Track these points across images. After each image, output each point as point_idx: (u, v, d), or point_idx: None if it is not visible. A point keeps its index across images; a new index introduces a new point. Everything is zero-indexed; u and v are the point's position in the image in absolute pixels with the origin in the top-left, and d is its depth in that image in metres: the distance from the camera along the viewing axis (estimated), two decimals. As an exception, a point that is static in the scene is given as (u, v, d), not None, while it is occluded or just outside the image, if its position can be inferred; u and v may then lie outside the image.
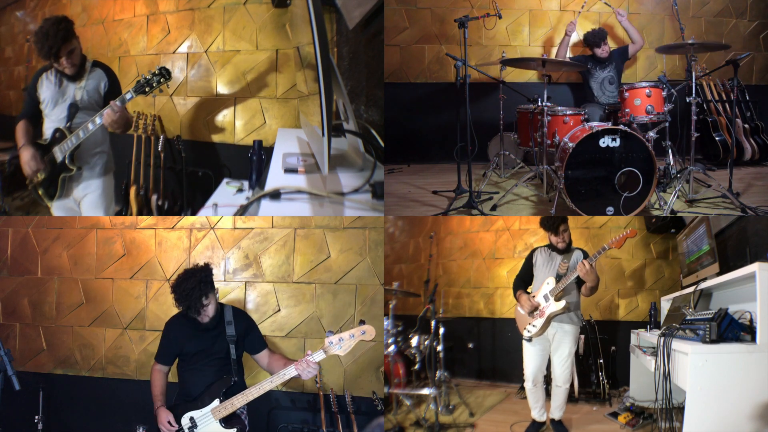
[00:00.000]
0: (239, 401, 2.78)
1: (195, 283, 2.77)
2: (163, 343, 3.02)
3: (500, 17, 4.96)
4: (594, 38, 5.01)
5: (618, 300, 5.01)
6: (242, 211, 2.75)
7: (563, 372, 3.50)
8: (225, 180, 4.11)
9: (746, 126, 5.45)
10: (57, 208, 3.55)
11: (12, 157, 3.64)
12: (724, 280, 2.84)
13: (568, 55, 5.67)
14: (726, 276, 2.80)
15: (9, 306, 4.13)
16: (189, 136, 4.53)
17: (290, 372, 2.73)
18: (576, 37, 5.73)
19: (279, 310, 3.78)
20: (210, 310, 2.83)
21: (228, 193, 3.84)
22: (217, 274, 3.76)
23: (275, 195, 2.43)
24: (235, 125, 4.39)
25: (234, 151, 4.39)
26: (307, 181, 2.63)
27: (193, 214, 4.26)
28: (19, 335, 4.09)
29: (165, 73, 3.24)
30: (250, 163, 3.70)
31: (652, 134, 4.06)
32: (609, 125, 3.71)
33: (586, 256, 3.41)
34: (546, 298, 3.40)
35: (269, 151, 3.38)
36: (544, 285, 3.43)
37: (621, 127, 3.68)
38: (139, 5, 4.56)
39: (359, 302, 3.69)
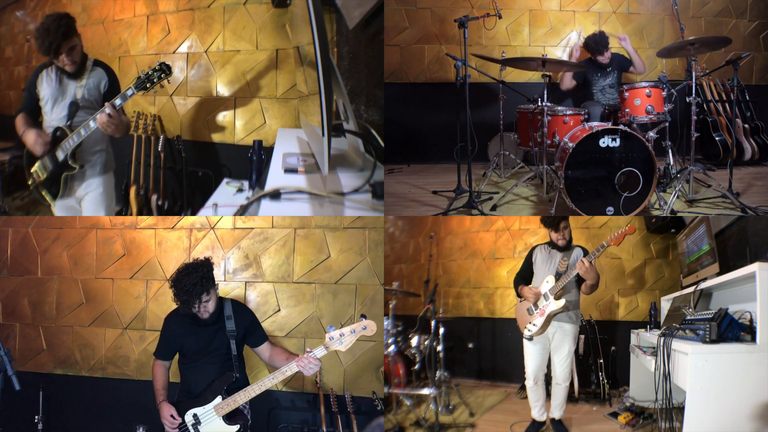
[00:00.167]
0: (242, 398, 2.77)
1: (197, 279, 2.73)
2: (162, 339, 3.00)
3: (500, 17, 4.96)
4: (596, 45, 4.94)
5: (618, 300, 5.01)
6: (242, 211, 2.75)
7: (563, 370, 3.52)
8: (225, 180, 4.11)
9: (746, 126, 5.45)
10: (59, 207, 3.55)
11: (12, 157, 3.64)
12: (724, 280, 2.84)
13: (569, 58, 5.68)
14: (726, 276, 2.80)
15: (9, 306, 4.13)
16: (189, 136, 4.53)
17: (292, 368, 2.73)
18: (576, 36, 5.74)
19: (279, 310, 3.78)
20: (210, 306, 2.81)
21: (228, 193, 3.84)
22: (217, 274, 3.76)
23: (275, 195, 2.43)
24: (235, 125, 4.39)
25: (234, 151, 4.39)
26: (307, 181, 2.63)
27: (193, 214, 4.26)
28: (19, 335, 4.10)
29: (165, 69, 3.23)
30: (250, 163, 3.70)
31: (652, 134, 4.06)
32: (609, 125, 3.71)
33: (586, 253, 3.41)
34: (546, 296, 3.40)
35: (269, 151, 3.38)
36: (543, 283, 3.44)
37: (621, 127, 3.68)
38: (139, 5, 4.56)
39: (359, 302, 3.69)
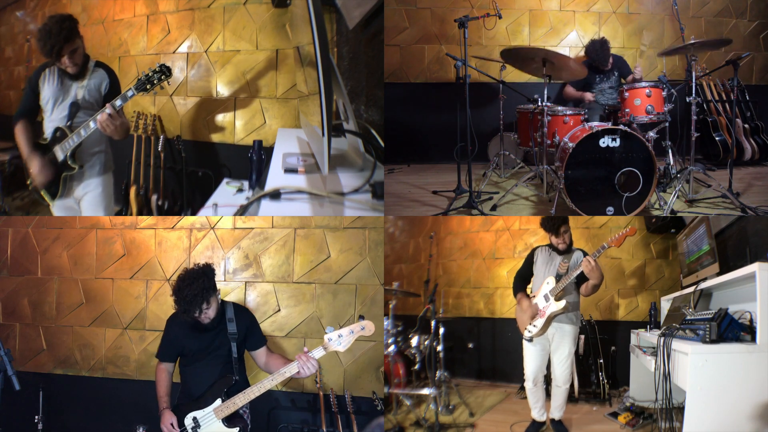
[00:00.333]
0: (241, 400, 2.77)
1: (198, 289, 2.71)
2: (164, 341, 3.00)
3: (500, 17, 4.95)
4: (598, 57, 4.88)
5: (618, 300, 5.01)
6: (242, 211, 2.75)
7: (563, 372, 3.50)
8: (225, 180, 4.11)
9: (746, 126, 5.45)
10: (58, 207, 3.54)
11: (12, 157, 3.64)
12: (724, 280, 2.84)
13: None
14: (726, 276, 2.80)
15: (9, 306, 4.13)
16: (189, 136, 4.53)
17: (291, 368, 2.72)
18: (575, 36, 5.74)
19: (279, 310, 3.78)
20: (211, 313, 2.81)
21: (228, 193, 3.84)
22: (217, 274, 3.74)
23: (275, 195, 2.43)
24: (235, 125, 4.39)
25: (234, 151, 4.39)
26: (307, 181, 2.63)
27: (193, 214, 4.26)
28: (19, 335, 4.10)
29: (165, 70, 3.24)
30: (250, 163, 3.70)
31: (652, 134, 4.06)
32: (609, 125, 3.71)
33: (586, 255, 3.41)
34: (546, 297, 3.40)
35: (269, 151, 3.38)
36: (544, 285, 3.43)
37: (621, 127, 3.68)
38: (139, 5, 4.57)
39: (359, 302, 3.69)
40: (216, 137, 4.47)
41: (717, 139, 5.37)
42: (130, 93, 3.21)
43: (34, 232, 4.15)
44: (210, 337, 2.87)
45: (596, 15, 5.71)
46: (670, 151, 4.24)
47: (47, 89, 3.38)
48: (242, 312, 2.98)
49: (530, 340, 3.48)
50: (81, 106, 3.39)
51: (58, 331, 4.06)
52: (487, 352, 5.61)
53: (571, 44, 5.76)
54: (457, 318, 5.61)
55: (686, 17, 5.57)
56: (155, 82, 3.23)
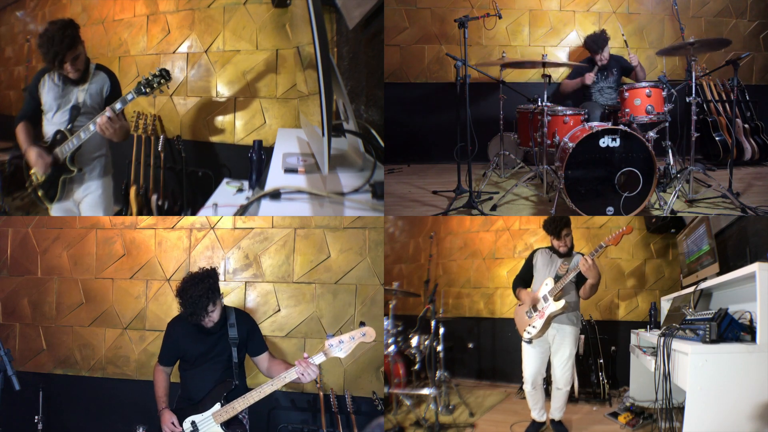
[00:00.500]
0: (240, 405, 2.77)
1: (203, 290, 2.72)
2: (165, 344, 3.00)
3: (500, 17, 4.96)
4: (594, 44, 4.93)
5: (618, 300, 5.01)
6: (242, 211, 2.75)
7: (564, 374, 3.49)
8: (225, 180, 4.11)
9: (746, 126, 5.45)
10: (56, 209, 3.54)
11: (12, 157, 3.63)
12: (724, 280, 2.84)
13: (569, 58, 5.69)
14: (726, 276, 2.80)
15: (9, 306, 4.13)
16: (189, 136, 4.53)
17: (291, 375, 2.72)
18: (575, 36, 5.74)
19: (279, 310, 3.78)
20: (215, 316, 2.82)
21: (228, 193, 3.84)
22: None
23: (275, 195, 2.43)
24: (235, 125, 4.39)
25: (234, 151, 4.39)
26: (307, 181, 2.63)
27: (193, 214, 4.26)
28: (19, 335, 4.10)
29: (165, 75, 3.25)
30: (250, 163, 3.70)
31: (652, 134, 4.06)
32: (609, 125, 3.71)
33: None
34: (545, 298, 3.40)
35: (269, 151, 3.38)
36: (542, 286, 3.43)
37: (621, 127, 3.68)
38: (139, 5, 4.57)
39: (359, 302, 3.69)
40: (216, 137, 4.47)
41: (717, 139, 5.37)
42: (129, 96, 3.22)
43: (34, 232, 4.15)
44: (212, 341, 2.87)
45: (596, 15, 5.71)
46: (670, 151, 4.24)
47: (48, 94, 3.38)
48: (243, 317, 2.99)
49: (530, 341, 3.47)
50: (82, 109, 3.39)
51: (58, 331, 4.06)
52: (487, 352, 5.61)
53: (571, 44, 5.76)
54: (457, 318, 5.61)
55: (686, 17, 5.57)
56: (155, 86, 3.24)
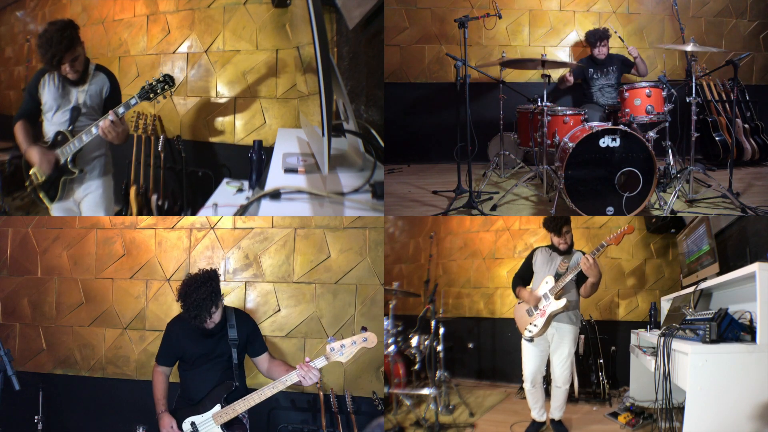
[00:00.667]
0: (241, 407, 2.76)
1: (206, 293, 2.72)
2: (164, 345, 3.00)
3: (500, 17, 4.96)
4: (593, 37, 4.98)
5: (618, 300, 5.01)
6: (242, 211, 2.75)
7: (563, 372, 3.50)
8: (225, 180, 4.11)
9: (746, 126, 5.45)
10: (56, 209, 3.54)
11: (12, 157, 3.64)
12: (724, 280, 2.84)
13: (569, 58, 5.69)
14: (726, 276, 2.80)
15: (9, 306, 4.13)
16: (189, 136, 4.53)
17: (292, 378, 2.72)
18: (575, 36, 5.74)
19: (279, 310, 3.78)
20: (216, 318, 2.81)
21: (228, 193, 3.84)
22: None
23: (275, 195, 2.43)
24: (235, 125, 4.39)
25: (234, 151, 4.39)
26: (307, 181, 2.63)
27: (193, 214, 4.26)
28: (19, 335, 4.10)
29: (169, 81, 3.26)
30: (250, 163, 3.70)
31: (652, 134, 4.06)
32: (609, 125, 3.71)
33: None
34: (546, 297, 3.40)
35: (269, 151, 3.38)
36: (543, 284, 3.43)
37: (621, 127, 3.68)
38: (139, 5, 4.57)
39: (359, 302, 3.69)
40: (216, 137, 4.47)
41: (717, 139, 5.37)
42: (133, 101, 3.23)
43: (34, 232, 4.15)
44: (212, 343, 2.87)
45: (596, 15, 5.70)
46: (670, 151, 4.24)
47: (48, 95, 3.38)
48: (243, 318, 2.98)
49: (531, 340, 3.47)
50: (82, 111, 3.39)
51: (58, 331, 4.06)
52: (487, 352, 5.61)
53: (571, 44, 5.76)
54: (457, 318, 5.61)
55: (686, 17, 5.57)
56: (159, 91, 3.25)
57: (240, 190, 3.84)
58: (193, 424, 2.77)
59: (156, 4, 4.51)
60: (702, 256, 3.65)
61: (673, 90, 4.05)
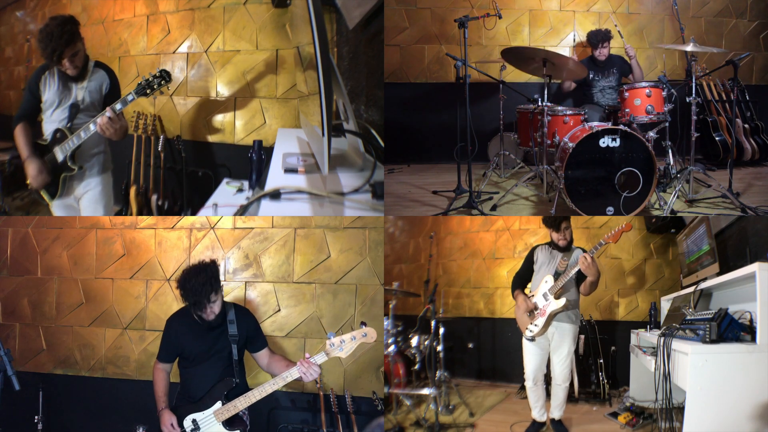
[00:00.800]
0: (242, 403, 2.77)
1: (206, 278, 2.71)
2: (164, 341, 2.99)
3: (500, 17, 4.95)
4: (595, 39, 4.98)
5: (618, 300, 5.01)
6: (242, 211, 2.75)
7: (563, 370, 3.51)
8: (225, 180, 4.11)
9: (746, 126, 5.45)
10: (57, 206, 3.56)
11: (12, 157, 3.64)
12: (724, 280, 2.84)
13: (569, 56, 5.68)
14: (726, 276, 2.80)
15: (9, 306, 4.13)
16: (189, 136, 4.53)
17: (293, 374, 2.73)
18: (576, 36, 5.74)
19: (279, 310, 3.78)
20: (216, 308, 2.80)
21: (228, 193, 3.84)
22: (217, 274, 3.76)
23: (275, 195, 2.43)
24: (235, 125, 4.39)
25: (234, 151, 4.39)
26: (307, 181, 2.63)
27: (193, 214, 4.26)
28: (19, 335, 4.10)
29: (165, 76, 3.25)
30: (250, 163, 3.70)
31: (652, 134, 4.06)
32: (609, 125, 3.71)
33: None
34: (545, 296, 3.40)
35: (269, 151, 3.38)
36: (542, 283, 3.44)
37: (621, 127, 3.68)
38: (139, 5, 4.57)
39: (359, 302, 3.69)
40: (216, 137, 4.47)
41: (717, 139, 5.37)
42: (130, 97, 3.23)
43: (34, 232, 4.15)
44: (211, 339, 2.87)
45: (596, 15, 5.71)
46: (670, 151, 4.24)
47: (48, 92, 3.38)
48: (243, 313, 2.98)
49: (532, 339, 3.48)
50: (81, 107, 3.39)
51: (58, 331, 4.06)
52: (487, 352, 5.61)
53: (571, 44, 5.76)
54: (457, 318, 5.61)
55: (686, 17, 5.57)
56: (155, 87, 3.24)
57: (240, 190, 3.84)
58: (194, 421, 2.77)
59: (156, 4, 4.51)
60: (702, 256, 3.65)
61: (673, 90, 4.05)
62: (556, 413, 3.62)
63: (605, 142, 3.64)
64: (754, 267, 2.42)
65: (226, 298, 3.75)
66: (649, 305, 4.02)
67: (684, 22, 5.36)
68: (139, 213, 4.48)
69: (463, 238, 5.96)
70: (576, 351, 3.84)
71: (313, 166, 2.76)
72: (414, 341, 4.37)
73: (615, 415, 3.93)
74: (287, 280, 3.78)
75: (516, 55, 4.44)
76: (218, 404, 2.78)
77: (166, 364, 2.99)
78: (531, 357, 3.54)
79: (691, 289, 3.27)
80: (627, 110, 4.08)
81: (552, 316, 3.40)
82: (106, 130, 3.22)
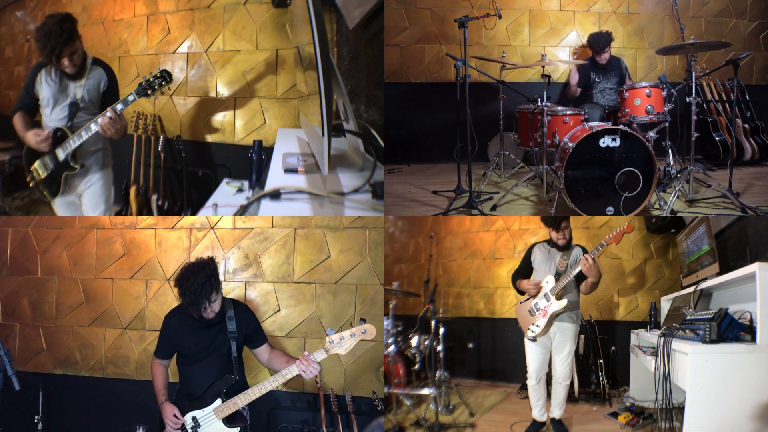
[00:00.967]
0: (242, 401, 2.76)
1: (204, 278, 2.68)
2: (162, 338, 2.98)
3: (500, 17, 4.95)
4: (597, 43, 4.96)
5: (618, 300, 5.01)
6: (242, 211, 2.75)
7: (564, 369, 3.52)
8: (225, 180, 4.11)
9: (746, 126, 5.45)
10: (59, 204, 3.58)
11: (12, 157, 3.65)
12: (724, 280, 2.84)
13: (569, 58, 5.69)
14: (726, 276, 2.80)
15: (9, 306, 4.13)
16: (189, 136, 4.53)
17: (292, 371, 2.72)
18: (575, 36, 5.74)
19: (279, 310, 3.78)
20: (216, 306, 2.79)
21: (228, 193, 3.84)
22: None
23: (275, 195, 2.43)
24: (235, 125, 4.39)
25: (234, 151, 4.39)
26: (307, 181, 2.63)
27: (193, 214, 4.26)
28: (19, 335, 4.10)
29: (166, 76, 3.25)
30: (250, 163, 3.70)
31: (652, 134, 4.06)
32: (609, 125, 3.71)
33: (585, 252, 3.41)
34: (547, 297, 3.40)
35: (269, 151, 3.38)
36: (543, 284, 3.43)
37: (621, 127, 3.68)
38: (139, 5, 4.56)
39: (359, 302, 3.69)
40: (216, 137, 4.47)
41: (717, 139, 5.37)
42: (131, 98, 3.23)
43: (34, 232, 4.15)
44: (210, 336, 2.86)
45: (596, 15, 5.71)
46: (670, 151, 4.24)
47: (46, 90, 3.38)
48: (242, 310, 2.97)
49: (534, 340, 3.49)
50: (81, 106, 3.40)
51: (58, 331, 4.06)
52: (487, 352, 5.61)
53: (571, 44, 5.76)
54: (457, 318, 5.61)
55: (686, 17, 5.57)
56: (156, 87, 3.24)
57: (240, 190, 3.85)
58: (194, 418, 2.77)
59: (156, 4, 4.50)
60: (702, 256, 3.65)
61: (673, 90, 4.05)
62: (556, 412, 3.62)
63: (605, 142, 3.64)
64: (754, 267, 2.42)
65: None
66: (649, 305, 4.02)
67: (684, 22, 5.35)
68: (139, 213, 4.48)
69: (463, 238, 5.96)
70: (576, 351, 3.84)
71: (313, 166, 2.76)
72: (414, 341, 4.37)
73: (615, 415, 3.94)
74: (287, 280, 3.78)
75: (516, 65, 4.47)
76: (218, 401, 2.78)
77: (164, 360, 2.99)
78: (533, 356, 3.55)
79: (691, 289, 3.27)
80: (627, 110, 4.08)
81: (553, 317, 3.41)
82: (107, 130, 3.23)
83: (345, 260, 3.72)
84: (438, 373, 4.33)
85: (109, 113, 3.19)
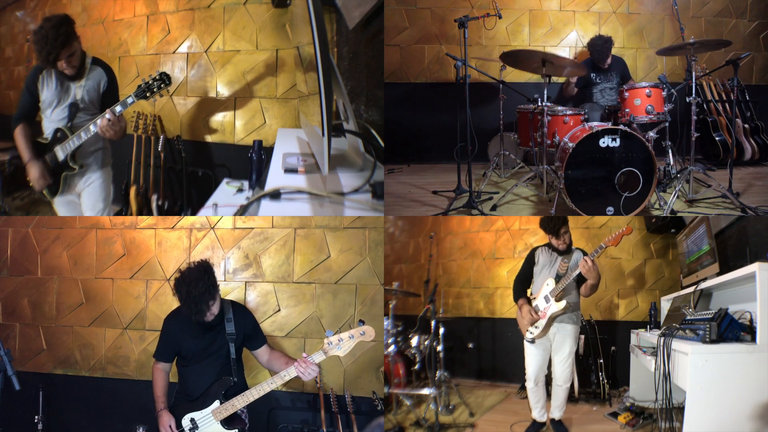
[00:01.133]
0: (240, 402, 2.76)
1: (204, 288, 2.69)
2: (162, 340, 2.98)
3: (500, 17, 4.95)
4: (600, 53, 4.91)
5: (618, 300, 5.01)
6: (242, 211, 2.75)
7: (564, 371, 3.51)
8: (225, 180, 4.11)
9: (746, 126, 5.45)
10: (59, 203, 3.59)
11: (12, 157, 3.65)
12: (724, 280, 2.84)
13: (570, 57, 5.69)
14: (726, 276, 2.80)
15: (9, 306, 4.13)
16: (189, 136, 4.53)
17: (291, 373, 2.72)
18: (575, 36, 5.74)
19: (279, 310, 3.78)
20: (215, 309, 2.79)
21: (228, 193, 3.84)
22: (217, 275, 3.73)
23: (275, 195, 2.43)
24: (235, 125, 4.39)
25: (234, 151, 4.39)
26: (307, 181, 2.63)
27: (193, 214, 4.26)
28: (19, 335, 4.10)
29: (165, 78, 3.26)
30: (250, 163, 3.70)
31: (652, 134, 4.06)
32: (609, 125, 3.71)
33: (585, 255, 3.41)
34: (546, 299, 3.40)
35: (269, 151, 3.38)
36: (544, 286, 3.44)
37: (621, 127, 3.67)
38: (139, 5, 4.57)
39: (359, 302, 3.69)
40: (216, 137, 4.47)
41: (717, 139, 5.37)
42: (130, 100, 3.23)
43: (34, 232, 4.15)
44: (210, 338, 2.86)
45: (596, 15, 5.71)
46: (670, 151, 4.23)
47: (46, 92, 3.38)
48: (241, 311, 2.97)
49: (532, 341, 3.49)
50: (81, 106, 3.40)
51: (58, 331, 4.06)
52: (487, 352, 5.61)
53: (571, 44, 5.76)
54: (457, 318, 5.61)
55: (686, 17, 5.57)
56: (155, 89, 3.25)
57: (240, 190, 3.85)
58: (192, 420, 2.77)
59: (156, 4, 4.51)
60: (702, 256, 3.65)
61: (673, 90, 4.05)
62: (556, 413, 3.62)
63: (605, 142, 3.64)
64: (754, 267, 2.42)
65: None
66: (649, 305, 4.02)
67: (684, 22, 5.36)
68: (139, 213, 4.48)
69: (463, 238, 5.96)
70: (576, 351, 3.84)
71: (313, 166, 2.76)
72: (414, 341, 4.37)
73: (615, 415, 3.93)
74: (287, 280, 3.78)
75: (515, 58, 4.44)
76: (216, 403, 2.78)
77: (165, 364, 2.99)
78: (532, 358, 3.54)
79: (691, 289, 3.27)
80: (627, 110, 4.08)
81: (552, 319, 3.41)
82: (106, 131, 3.24)
83: (345, 260, 3.72)
84: (438, 373, 4.33)
85: (108, 115, 3.19)
